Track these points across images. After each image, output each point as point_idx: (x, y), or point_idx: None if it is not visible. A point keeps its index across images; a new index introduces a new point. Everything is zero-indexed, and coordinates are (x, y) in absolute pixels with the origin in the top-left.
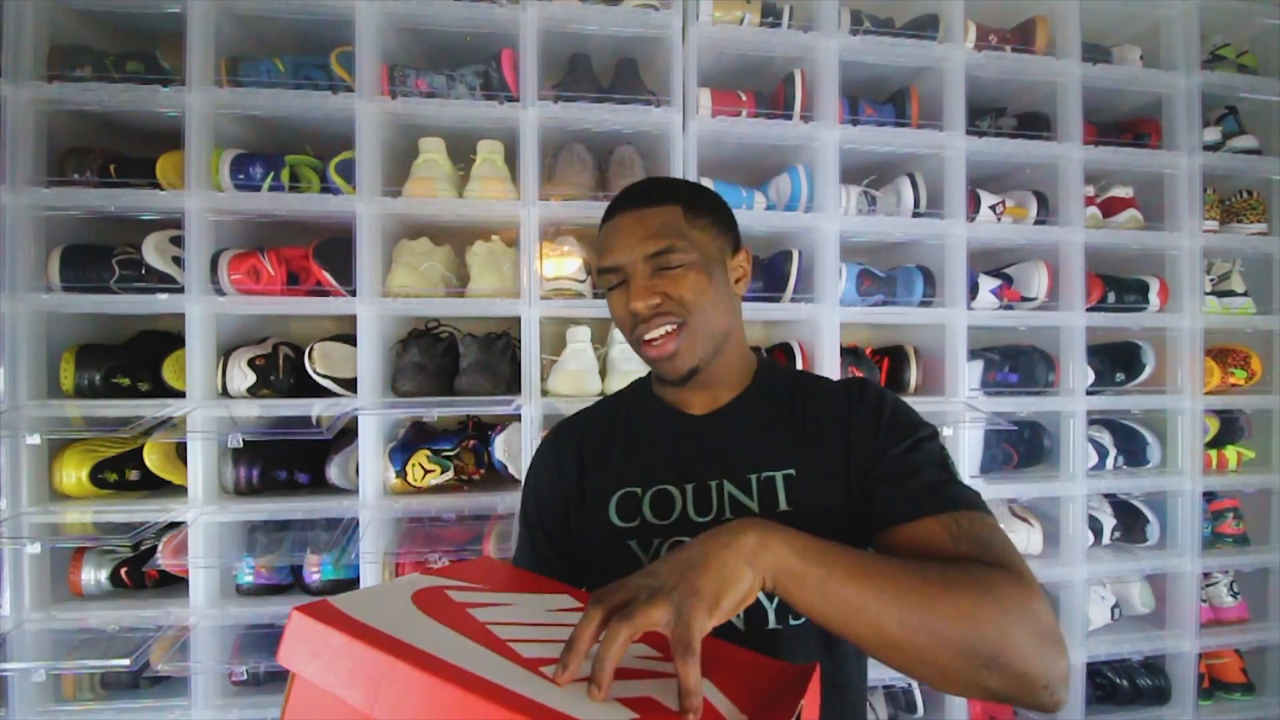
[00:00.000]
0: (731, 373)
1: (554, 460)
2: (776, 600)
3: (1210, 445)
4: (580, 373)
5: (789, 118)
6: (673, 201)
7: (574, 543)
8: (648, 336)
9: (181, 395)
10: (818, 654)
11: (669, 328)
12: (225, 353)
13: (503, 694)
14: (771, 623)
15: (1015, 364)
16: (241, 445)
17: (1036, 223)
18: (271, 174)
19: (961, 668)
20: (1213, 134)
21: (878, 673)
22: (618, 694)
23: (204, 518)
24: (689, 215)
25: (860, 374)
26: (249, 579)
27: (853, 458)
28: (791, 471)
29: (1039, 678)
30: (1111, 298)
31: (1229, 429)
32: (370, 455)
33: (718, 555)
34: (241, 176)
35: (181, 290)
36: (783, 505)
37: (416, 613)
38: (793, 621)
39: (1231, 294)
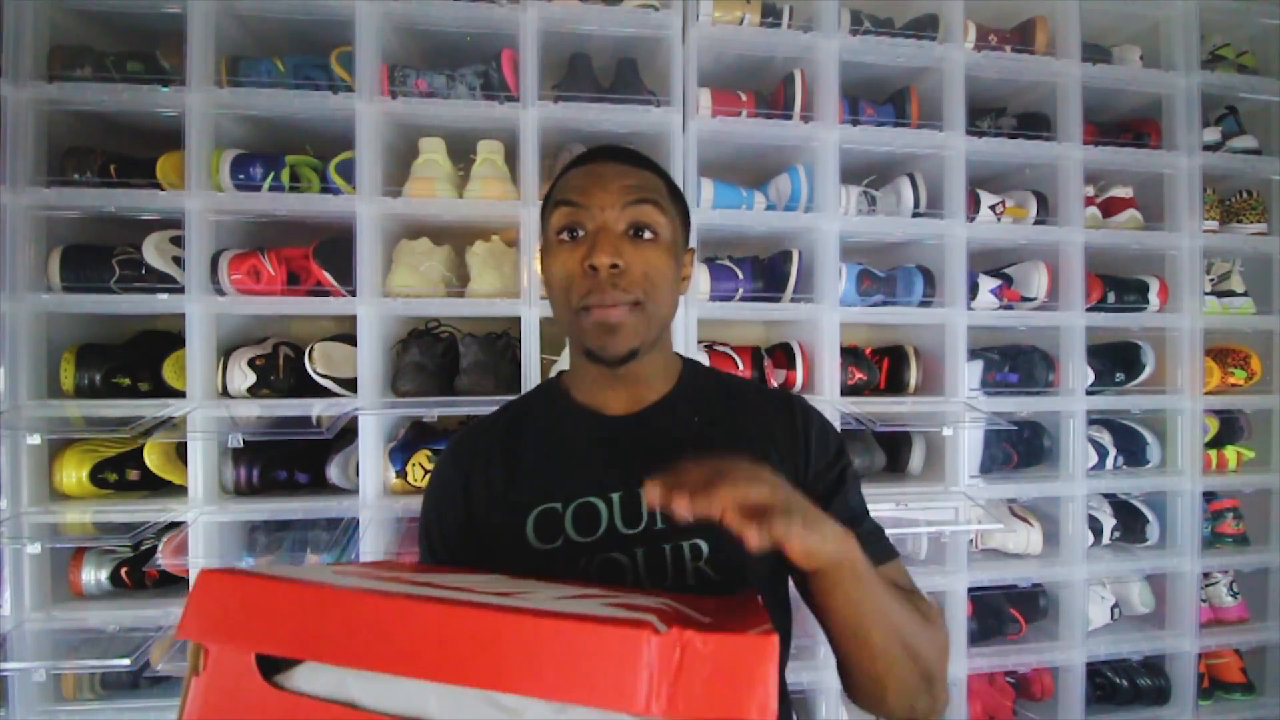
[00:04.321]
0: (659, 370)
1: (458, 478)
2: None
3: (1210, 445)
4: None
5: (789, 118)
6: (657, 173)
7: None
8: (594, 303)
9: (181, 395)
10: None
11: (623, 304)
12: (225, 353)
13: (477, 603)
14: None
15: (1015, 364)
16: (241, 445)
17: (1036, 223)
18: (271, 174)
19: (916, 686)
20: (1212, 134)
21: None
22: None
23: (204, 518)
24: (670, 192)
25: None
26: None
27: (803, 486)
28: None
29: (941, 702)
30: (1111, 298)
31: (1229, 429)
32: (370, 455)
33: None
34: (241, 176)
35: (181, 290)
36: None
37: (342, 576)
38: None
39: (1231, 294)
